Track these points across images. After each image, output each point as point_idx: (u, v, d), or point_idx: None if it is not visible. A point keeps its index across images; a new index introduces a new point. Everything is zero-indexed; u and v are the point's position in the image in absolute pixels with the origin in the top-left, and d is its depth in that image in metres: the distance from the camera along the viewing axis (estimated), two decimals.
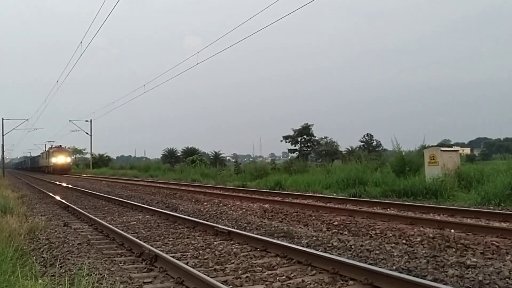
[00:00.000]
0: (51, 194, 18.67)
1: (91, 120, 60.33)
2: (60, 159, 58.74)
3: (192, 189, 17.81)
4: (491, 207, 10.33)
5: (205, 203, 13.28)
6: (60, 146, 62.51)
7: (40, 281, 4.64)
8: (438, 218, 8.94)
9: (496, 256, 5.80)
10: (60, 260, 5.99)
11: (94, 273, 4.88)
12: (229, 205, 12.36)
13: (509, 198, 10.82)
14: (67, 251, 6.71)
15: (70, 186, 25.64)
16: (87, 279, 4.43)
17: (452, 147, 21.07)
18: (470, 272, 4.95)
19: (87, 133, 60.71)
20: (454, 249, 6.24)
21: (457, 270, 5.06)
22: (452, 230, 7.48)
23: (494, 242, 6.36)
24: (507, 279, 4.69)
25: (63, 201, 15.04)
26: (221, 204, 12.76)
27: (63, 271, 5.37)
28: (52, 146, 63.02)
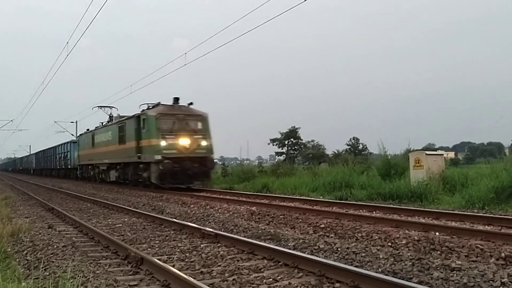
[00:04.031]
0: (35, 196, 18.43)
1: (76, 122, 59.17)
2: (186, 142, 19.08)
3: (179, 191, 17.72)
4: (475, 210, 10.45)
5: (192, 206, 13.22)
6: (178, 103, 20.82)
7: (23, 284, 4.57)
8: (423, 221, 9.02)
9: (480, 259, 5.87)
10: (44, 262, 5.90)
11: (78, 276, 4.83)
12: (216, 208, 12.33)
13: (493, 202, 10.97)
14: (52, 254, 6.62)
15: (54, 188, 25.32)
16: (71, 282, 4.39)
17: (436, 151, 21.27)
18: (455, 275, 5.00)
19: (72, 135, 59.67)
20: (439, 252, 6.30)
21: (442, 272, 5.11)
22: (437, 233, 7.55)
23: (478, 245, 6.43)
24: (491, 281, 4.75)
25: (48, 203, 14.86)
26: (208, 207, 12.72)
27: (47, 273, 5.29)
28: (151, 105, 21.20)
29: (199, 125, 19.85)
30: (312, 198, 14.26)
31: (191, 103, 20.26)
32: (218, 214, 11.21)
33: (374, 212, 10.59)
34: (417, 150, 17.97)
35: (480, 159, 48.98)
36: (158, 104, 20.08)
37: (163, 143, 18.39)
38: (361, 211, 10.85)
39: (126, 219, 10.81)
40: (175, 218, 10.41)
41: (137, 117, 20.52)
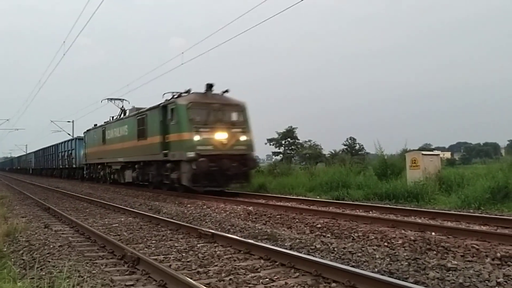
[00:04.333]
0: (31, 195, 18.38)
1: (73, 121, 59.01)
2: (223, 137, 15.94)
3: (176, 191, 17.68)
4: (471, 211, 10.48)
5: (189, 205, 13.21)
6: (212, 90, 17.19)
7: (19, 283, 4.56)
8: (420, 221, 9.04)
9: (476, 259, 5.89)
10: (40, 262, 5.89)
11: (74, 276, 4.82)
12: (213, 208, 12.32)
13: (489, 202, 11.00)
14: (48, 253, 6.59)
15: (51, 187, 25.25)
16: (67, 282, 4.38)
17: (433, 151, 21.34)
18: (451, 275, 5.02)
19: (69, 134, 59.53)
20: (435, 252, 6.32)
21: (438, 272, 5.13)
22: (433, 233, 7.57)
23: (474, 245, 6.46)
24: (486, 281, 4.77)
25: (44, 202, 14.81)
26: (205, 207, 12.71)
27: (43, 273, 5.27)
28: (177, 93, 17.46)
29: (238, 117, 16.78)
30: (309, 198, 14.27)
31: (226, 91, 17.23)
32: (215, 214, 11.21)
33: (370, 212, 10.61)
34: (413, 150, 17.99)
35: (476, 160, 49.13)
36: (188, 92, 16.98)
37: (196, 137, 15.45)
38: (357, 211, 10.87)
39: (122, 219, 10.79)
40: (172, 218, 10.40)
41: (163, 107, 17.32)
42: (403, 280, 4.76)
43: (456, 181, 13.53)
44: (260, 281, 5.03)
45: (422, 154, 15.14)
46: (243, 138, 16.37)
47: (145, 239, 7.90)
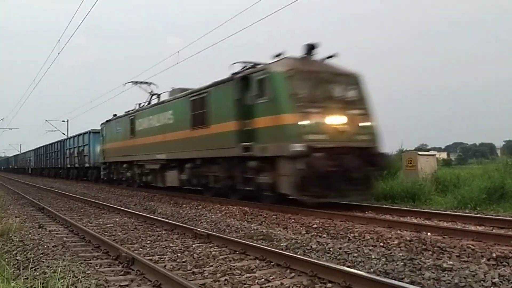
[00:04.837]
0: (26, 195, 18.29)
1: (67, 120, 58.70)
2: (341, 121, 11.06)
3: (171, 191, 17.62)
4: (467, 211, 10.50)
5: (184, 206, 13.17)
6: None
7: (13, 284, 4.52)
8: (415, 221, 9.05)
9: (471, 259, 5.89)
10: (34, 262, 5.85)
11: (69, 276, 4.78)
12: (208, 208, 12.29)
13: (485, 202, 11.03)
14: (42, 254, 6.55)
15: (45, 187, 25.14)
16: (61, 282, 4.34)
17: (429, 151, 21.35)
18: (446, 275, 5.01)
19: (63, 134, 59.32)
20: (430, 252, 6.32)
21: (434, 272, 5.12)
22: (429, 233, 7.57)
23: (470, 245, 6.46)
24: (482, 281, 4.76)
25: (38, 202, 14.74)
26: (200, 207, 12.68)
27: (37, 273, 5.23)
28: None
29: (355, 92, 11.74)
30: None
31: (331, 56, 12.02)
32: (210, 214, 11.17)
33: (366, 212, 10.60)
34: (410, 150, 18.01)
35: (472, 160, 49.34)
36: (279, 56, 11.76)
37: (305, 122, 10.53)
38: (353, 211, 10.85)
39: (117, 219, 10.74)
40: (167, 218, 10.36)
41: (242, 79, 12.23)
42: (398, 280, 4.75)
43: (452, 182, 13.56)
44: (256, 281, 5.01)
45: (418, 154, 15.16)
46: (365, 123, 11.46)
47: (140, 239, 7.86)
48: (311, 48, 11.77)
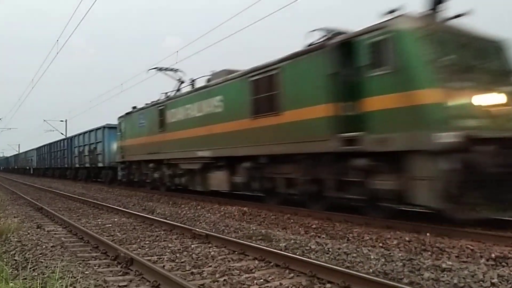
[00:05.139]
0: (24, 195, 18.26)
1: (66, 120, 58.53)
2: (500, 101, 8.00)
3: (170, 192, 17.61)
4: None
5: (183, 206, 13.16)
6: None
7: (11, 284, 4.51)
8: (414, 221, 9.03)
9: (470, 260, 5.89)
10: (32, 263, 5.83)
11: (67, 276, 4.77)
12: (207, 208, 12.28)
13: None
14: (40, 254, 6.54)
15: (44, 187, 25.10)
16: (60, 283, 4.34)
17: None
18: (445, 275, 5.01)
19: (62, 134, 59.24)
20: (429, 252, 6.32)
21: (433, 273, 5.12)
22: (428, 234, 7.57)
23: (469, 246, 6.47)
24: (481, 282, 4.77)
25: (37, 202, 14.72)
26: (199, 207, 12.67)
27: (36, 274, 5.22)
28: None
29: (505, 64, 8.91)
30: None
31: (460, 15, 8.61)
32: (209, 214, 11.16)
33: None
34: None
35: None
36: (396, 12, 8.44)
37: (455, 101, 7.61)
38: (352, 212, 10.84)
39: (116, 219, 10.73)
40: (166, 219, 10.34)
41: (342, 45, 9.14)
42: (397, 281, 4.75)
43: None
44: (255, 281, 5.00)
45: None
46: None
47: (138, 240, 7.85)
48: (437, 2, 8.60)
